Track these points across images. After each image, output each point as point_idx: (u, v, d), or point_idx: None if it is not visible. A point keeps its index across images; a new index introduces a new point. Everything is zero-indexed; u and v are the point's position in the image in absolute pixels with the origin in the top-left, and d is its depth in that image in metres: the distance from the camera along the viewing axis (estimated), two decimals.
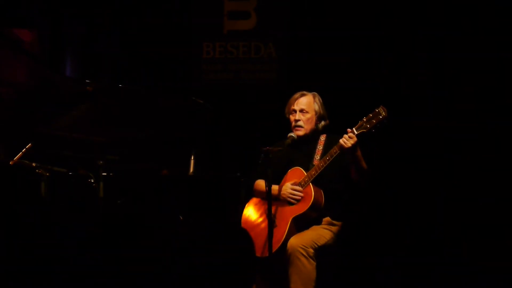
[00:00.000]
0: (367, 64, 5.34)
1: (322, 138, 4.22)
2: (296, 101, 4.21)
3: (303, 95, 4.23)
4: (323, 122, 4.24)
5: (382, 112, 3.77)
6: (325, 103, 4.26)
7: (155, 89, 4.89)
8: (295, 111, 4.19)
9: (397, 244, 5.07)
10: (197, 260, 4.28)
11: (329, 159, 3.94)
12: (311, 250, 3.88)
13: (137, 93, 4.37)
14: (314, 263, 3.88)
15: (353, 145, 3.82)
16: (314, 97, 4.22)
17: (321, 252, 3.92)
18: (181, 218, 4.31)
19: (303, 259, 3.86)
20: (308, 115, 4.18)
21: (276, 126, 4.42)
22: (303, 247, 3.87)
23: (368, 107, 4.10)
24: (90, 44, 5.72)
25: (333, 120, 4.28)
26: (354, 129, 3.85)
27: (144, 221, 4.20)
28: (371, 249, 4.90)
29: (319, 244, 3.91)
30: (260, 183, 4.26)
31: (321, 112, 4.22)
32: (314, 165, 4.06)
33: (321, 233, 3.98)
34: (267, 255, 3.89)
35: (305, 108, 4.18)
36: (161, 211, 4.29)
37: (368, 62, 5.34)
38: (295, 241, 3.90)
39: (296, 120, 4.18)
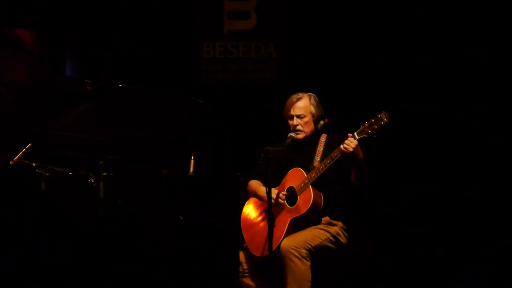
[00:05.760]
0: (367, 64, 5.34)
1: (323, 139, 4.22)
2: (293, 107, 4.20)
3: (299, 99, 4.21)
4: (322, 122, 4.24)
5: (384, 118, 3.77)
6: (325, 103, 4.26)
7: (155, 89, 4.88)
8: (293, 117, 4.19)
9: (397, 244, 5.07)
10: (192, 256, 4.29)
11: (329, 162, 3.93)
12: (304, 251, 3.87)
13: (137, 93, 4.38)
14: (308, 263, 3.87)
15: (354, 150, 3.83)
16: (310, 99, 4.21)
17: (317, 253, 3.91)
18: (181, 218, 4.31)
19: (295, 260, 3.85)
20: (306, 119, 4.18)
21: (276, 126, 4.41)
22: (294, 248, 3.86)
23: (368, 106, 4.12)
24: (90, 44, 5.72)
25: (333, 119, 4.28)
26: (355, 133, 3.85)
27: (144, 221, 4.20)
28: (370, 250, 4.89)
29: (312, 245, 3.90)
30: (254, 184, 4.26)
31: (319, 113, 4.21)
32: (314, 167, 4.06)
33: (315, 233, 3.97)
34: (266, 254, 3.89)
35: (302, 112, 4.18)
36: (161, 211, 4.29)
37: (369, 61, 5.34)
38: (287, 243, 3.90)
39: (295, 125, 4.18)
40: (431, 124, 5.16)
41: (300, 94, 4.23)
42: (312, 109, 4.19)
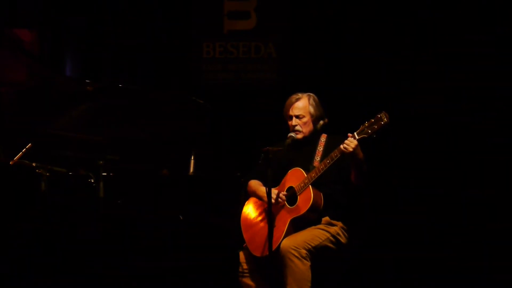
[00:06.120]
0: (367, 64, 5.34)
1: (323, 138, 4.22)
2: (291, 107, 4.20)
3: (297, 99, 4.21)
4: (321, 122, 4.24)
5: (384, 118, 3.78)
6: (325, 103, 4.26)
7: (155, 89, 4.88)
8: (292, 117, 4.19)
9: (396, 243, 5.07)
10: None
11: (329, 162, 3.94)
12: (304, 251, 3.87)
13: (137, 93, 4.38)
14: (308, 263, 3.87)
15: (354, 150, 3.83)
16: (309, 99, 4.21)
17: (317, 253, 3.91)
18: (181, 218, 4.31)
19: (295, 260, 3.86)
20: (304, 119, 4.18)
21: (276, 126, 4.42)
22: (294, 248, 3.87)
23: (368, 106, 4.12)
24: (90, 44, 5.72)
25: (333, 119, 4.28)
26: (355, 133, 3.85)
27: (144, 221, 4.20)
28: (370, 249, 4.89)
29: (312, 245, 3.91)
30: (254, 184, 4.26)
31: (318, 113, 4.21)
32: (314, 167, 4.06)
33: (315, 233, 3.97)
34: (266, 254, 3.89)
35: (301, 113, 4.18)
36: (161, 211, 4.29)
37: (369, 61, 5.34)
38: (287, 243, 3.91)
39: (294, 126, 4.18)
40: (431, 124, 5.16)
41: (299, 94, 4.23)
42: (311, 109, 4.19)
